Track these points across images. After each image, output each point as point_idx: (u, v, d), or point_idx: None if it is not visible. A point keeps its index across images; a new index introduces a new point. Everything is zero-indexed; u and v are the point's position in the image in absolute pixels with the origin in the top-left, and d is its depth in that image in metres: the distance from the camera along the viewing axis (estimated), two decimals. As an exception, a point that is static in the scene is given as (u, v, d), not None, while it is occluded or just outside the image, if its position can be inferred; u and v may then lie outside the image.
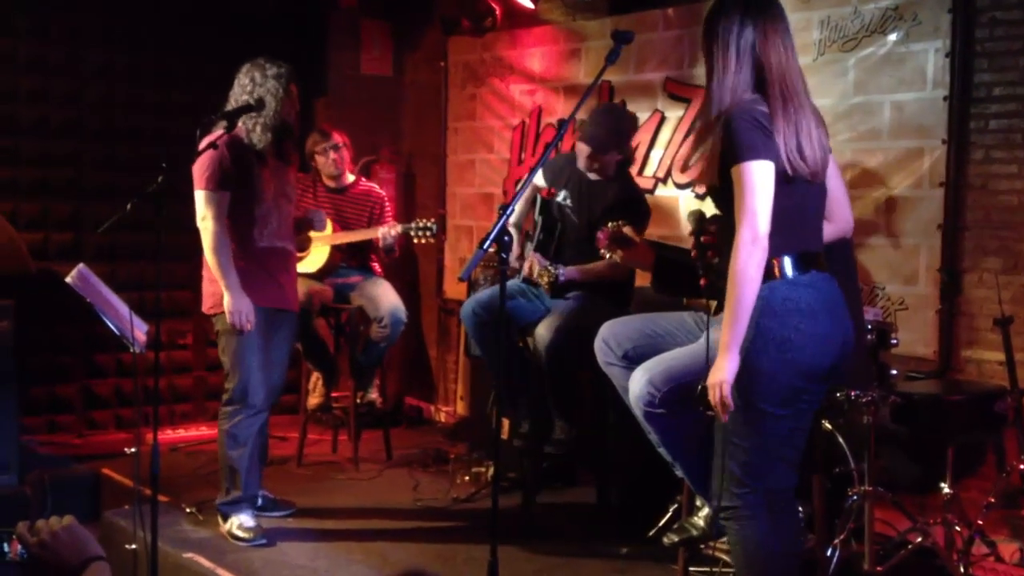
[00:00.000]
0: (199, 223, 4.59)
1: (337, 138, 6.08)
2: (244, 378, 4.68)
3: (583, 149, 5.00)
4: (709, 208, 3.31)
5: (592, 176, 5.11)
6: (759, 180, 2.93)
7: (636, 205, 5.11)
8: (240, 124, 4.60)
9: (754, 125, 2.96)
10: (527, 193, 5.33)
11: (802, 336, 3.02)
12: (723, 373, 2.97)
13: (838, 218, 3.40)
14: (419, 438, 6.75)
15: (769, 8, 3.10)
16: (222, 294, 4.60)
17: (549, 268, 4.85)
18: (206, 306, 4.75)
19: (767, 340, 3.01)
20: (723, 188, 3.05)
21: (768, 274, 3.00)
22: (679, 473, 3.67)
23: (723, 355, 2.98)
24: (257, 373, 4.70)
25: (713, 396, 3.00)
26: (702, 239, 3.27)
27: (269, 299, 4.71)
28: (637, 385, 3.60)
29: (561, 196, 5.19)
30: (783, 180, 2.98)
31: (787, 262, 3.04)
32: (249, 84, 4.63)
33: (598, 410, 5.06)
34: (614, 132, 5.04)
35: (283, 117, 4.67)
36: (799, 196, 3.06)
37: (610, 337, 3.88)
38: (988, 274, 4.59)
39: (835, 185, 3.26)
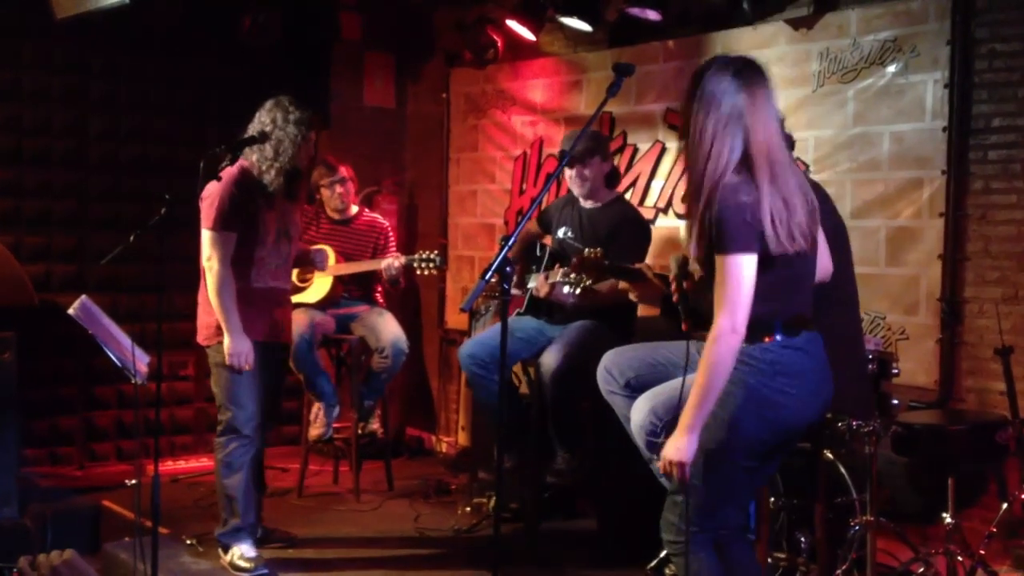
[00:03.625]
0: (204, 262, 4.60)
1: (343, 172, 6.09)
2: (236, 411, 4.69)
3: (569, 171, 5.07)
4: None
5: (588, 205, 5.16)
6: (741, 274, 2.92)
7: (637, 225, 5.15)
8: (254, 160, 4.62)
9: (741, 216, 2.93)
10: (524, 234, 5.37)
11: (786, 398, 3.03)
12: (682, 454, 2.97)
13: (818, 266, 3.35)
14: (420, 469, 6.73)
15: (759, 77, 3.05)
16: (216, 326, 4.62)
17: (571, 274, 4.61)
18: (200, 337, 4.75)
19: (751, 399, 3.01)
20: (707, 259, 3.02)
21: (760, 336, 3.01)
22: (681, 503, 3.65)
23: (682, 434, 2.98)
24: (249, 405, 4.70)
25: (666, 469, 3.01)
26: (684, 284, 3.28)
27: (261, 333, 4.71)
28: (640, 414, 3.59)
29: (562, 232, 5.21)
30: (778, 259, 2.96)
31: (779, 326, 3.04)
32: (270, 124, 4.64)
33: (600, 439, 5.05)
34: (588, 138, 5.00)
35: (297, 163, 4.69)
36: (794, 268, 3.05)
37: (612, 366, 3.87)
38: (988, 304, 4.61)
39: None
